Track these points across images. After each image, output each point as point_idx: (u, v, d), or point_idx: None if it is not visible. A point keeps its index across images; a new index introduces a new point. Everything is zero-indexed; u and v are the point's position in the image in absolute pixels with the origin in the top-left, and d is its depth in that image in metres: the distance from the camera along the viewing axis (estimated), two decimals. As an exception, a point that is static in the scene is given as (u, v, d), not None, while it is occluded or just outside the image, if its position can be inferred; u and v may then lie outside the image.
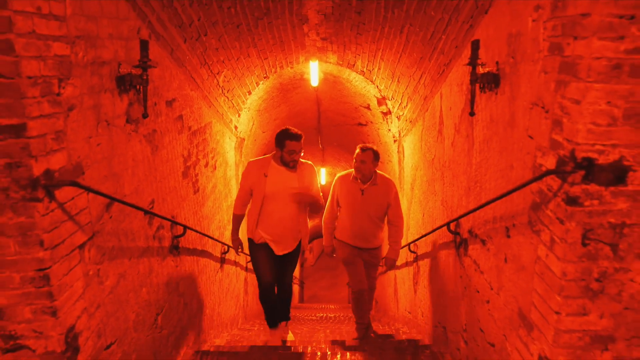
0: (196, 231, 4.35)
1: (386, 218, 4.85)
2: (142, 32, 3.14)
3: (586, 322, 2.13)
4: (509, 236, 2.70)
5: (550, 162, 2.16)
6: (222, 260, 5.66)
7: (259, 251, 4.37)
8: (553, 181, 2.14)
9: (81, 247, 2.35)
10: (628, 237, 2.05)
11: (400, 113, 6.27)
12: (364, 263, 4.92)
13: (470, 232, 3.45)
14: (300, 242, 4.50)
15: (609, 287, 2.10)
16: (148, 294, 3.22)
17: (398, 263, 6.75)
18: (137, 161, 3.07)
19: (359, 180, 4.68)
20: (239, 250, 4.58)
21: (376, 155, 4.65)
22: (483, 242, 3.15)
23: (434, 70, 4.45)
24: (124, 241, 2.86)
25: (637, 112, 1.91)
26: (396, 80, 5.71)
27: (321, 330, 6.26)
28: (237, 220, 4.51)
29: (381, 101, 6.67)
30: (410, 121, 5.84)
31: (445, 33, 3.89)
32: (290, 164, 4.20)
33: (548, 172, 2.09)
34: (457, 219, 3.64)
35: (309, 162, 4.46)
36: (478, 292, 3.23)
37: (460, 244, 3.71)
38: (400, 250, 4.98)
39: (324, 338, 5.46)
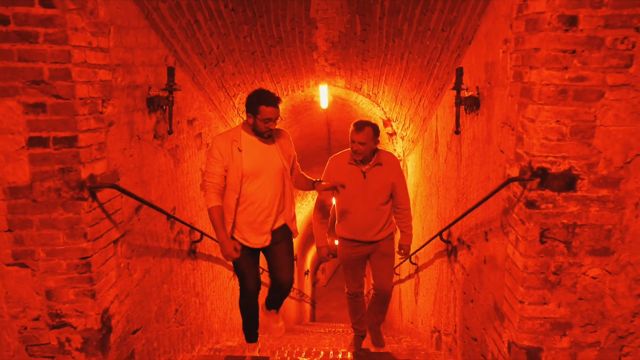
0: (212, 238, 4.75)
1: (391, 203, 4.05)
2: (169, 60, 3.59)
3: (546, 310, 2.48)
4: (487, 239, 3.06)
5: (514, 172, 2.53)
6: (235, 270, 6.05)
7: (240, 250, 3.35)
8: (517, 188, 2.51)
9: (115, 242, 2.76)
10: (579, 235, 2.40)
11: (404, 134, 6.67)
12: (376, 256, 4.12)
13: (459, 239, 3.81)
14: (285, 227, 3.60)
15: (565, 279, 2.45)
16: (168, 290, 3.62)
17: (402, 276, 7.09)
18: (162, 172, 3.50)
19: (360, 162, 3.89)
20: (235, 254, 3.31)
21: (376, 131, 3.84)
22: (468, 247, 3.51)
23: (431, 94, 4.86)
24: (149, 241, 3.27)
25: (582, 129, 2.29)
26: (399, 103, 6.13)
27: (327, 338, 6.59)
28: (216, 215, 3.33)
29: (387, 123, 7.08)
30: (412, 141, 6.24)
31: (439, 60, 4.31)
32: (265, 134, 3.35)
33: (510, 180, 2.47)
34: (446, 228, 4.00)
35: (286, 130, 3.69)
36: (465, 293, 3.58)
37: (451, 251, 4.06)
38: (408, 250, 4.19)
39: (329, 343, 5.79)
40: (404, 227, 4.11)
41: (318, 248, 4.16)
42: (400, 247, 4.17)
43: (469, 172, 3.49)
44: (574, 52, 2.21)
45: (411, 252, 5.92)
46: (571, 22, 2.19)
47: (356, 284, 4.30)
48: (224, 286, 5.47)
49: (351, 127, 3.84)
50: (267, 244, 3.52)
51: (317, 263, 22.12)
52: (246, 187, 3.37)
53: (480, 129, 3.20)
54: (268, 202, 3.44)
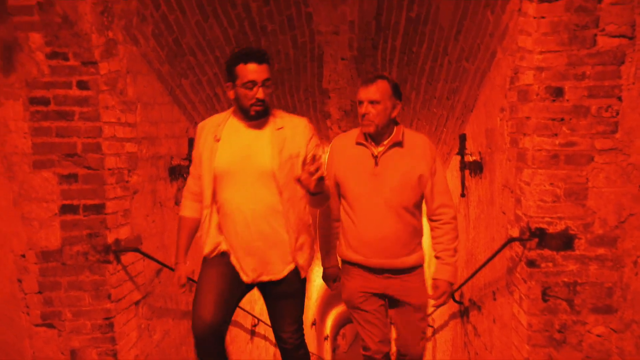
0: (229, 301, 4.84)
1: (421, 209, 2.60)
2: (190, 131, 3.85)
3: (553, 369, 2.52)
4: (495, 299, 3.13)
5: (515, 233, 2.65)
6: (252, 333, 6.08)
7: (208, 269, 2.36)
8: (518, 248, 2.62)
9: (137, 303, 2.91)
10: (581, 293, 2.48)
11: (417, 196, 6.81)
12: (394, 305, 2.61)
13: (470, 300, 3.86)
14: (296, 267, 2.33)
15: (570, 337, 2.51)
16: (187, 352, 3.71)
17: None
18: (182, 236, 3.67)
19: (370, 140, 2.50)
20: (182, 286, 2.43)
21: (395, 89, 2.47)
22: (479, 308, 3.56)
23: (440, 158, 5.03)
24: (169, 303, 3.40)
25: (575, 191, 2.42)
26: (411, 166, 6.31)
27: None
28: (183, 227, 2.42)
29: (400, 186, 7.23)
30: (425, 203, 6.37)
31: (446, 126, 4.51)
32: (252, 111, 2.22)
33: (510, 240, 2.59)
34: (457, 289, 4.06)
35: (301, 118, 2.40)
36: (477, 354, 3.60)
37: (464, 312, 4.10)
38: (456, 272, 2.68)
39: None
40: (441, 251, 2.53)
41: (324, 269, 2.74)
42: (434, 283, 2.57)
43: (477, 234, 3.60)
44: (562, 119, 2.39)
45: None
46: (557, 92, 2.37)
47: (377, 335, 2.59)
48: (241, 349, 5.50)
49: (359, 87, 2.51)
50: (259, 279, 2.33)
51: (338, 328, 21.72)
52: (222, 192, 2.28)
53: (484, 192, 3.34)
54: (251, 216, 2.25)
